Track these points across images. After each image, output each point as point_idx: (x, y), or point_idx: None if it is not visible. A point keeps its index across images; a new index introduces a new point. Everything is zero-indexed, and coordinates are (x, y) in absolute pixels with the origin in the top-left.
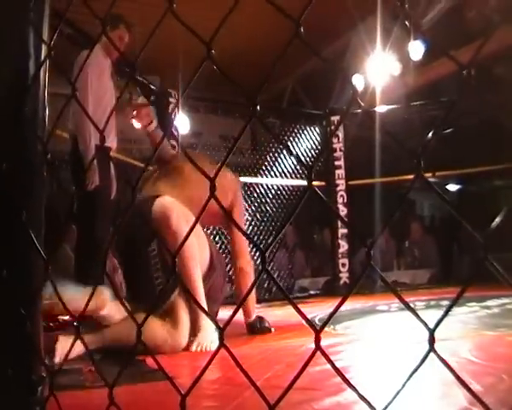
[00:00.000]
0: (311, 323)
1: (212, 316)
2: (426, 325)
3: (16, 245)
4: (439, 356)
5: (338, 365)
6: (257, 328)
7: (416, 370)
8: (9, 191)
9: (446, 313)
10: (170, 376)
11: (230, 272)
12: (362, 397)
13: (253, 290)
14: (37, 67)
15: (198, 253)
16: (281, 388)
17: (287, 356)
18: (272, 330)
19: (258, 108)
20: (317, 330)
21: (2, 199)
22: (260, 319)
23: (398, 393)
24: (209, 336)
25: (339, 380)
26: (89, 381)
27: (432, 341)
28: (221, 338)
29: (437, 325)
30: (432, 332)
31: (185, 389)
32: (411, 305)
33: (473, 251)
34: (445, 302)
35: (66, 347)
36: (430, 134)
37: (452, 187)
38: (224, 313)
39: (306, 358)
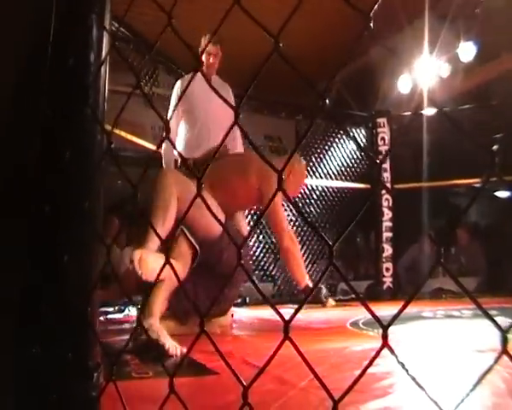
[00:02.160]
0: (378, 318)
1: None
2: (499, 326)
3: (77, 233)
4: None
5: (379, 369)
6: (311, 292)
7: (486, 373)
8: (73, 179)
9: None
10: (231, 368)
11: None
12: (431, 398)
13: (301, 261)
14: (99, 58)
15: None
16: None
17: (330, 357)
18: (331, 302)
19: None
20: (385, 326)
21: (65, 186)
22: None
23: (464, 398)
24: None
25: (386, 384)
26: (135, 371)
27: (504, 343)
28: (286, 331)
29: (510, 327)
30: (504, 333)
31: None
32: (458, 313)
33: None
34: (494, 312)
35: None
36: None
37: (502, 194)
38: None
39: (351, 359)
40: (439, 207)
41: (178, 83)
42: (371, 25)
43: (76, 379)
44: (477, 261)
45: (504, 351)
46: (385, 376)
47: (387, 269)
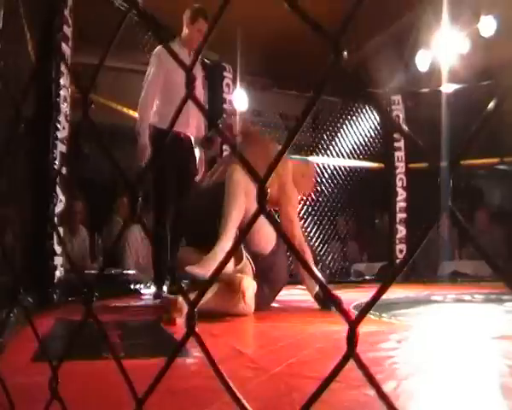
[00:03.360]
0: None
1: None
2: (347, 318)
3: None
4: (358, 361)
5: (371, 355)
6: (321, 299)
7: (335, 372)
8: None
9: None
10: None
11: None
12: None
13: (313, 266)
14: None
15: (238, 209)
16: (301, 376)
17: (319, 341)
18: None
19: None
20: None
21: None
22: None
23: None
24: None
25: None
26: (107, 351)
27: (352, 339)
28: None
29: (359, 319)
30: (353, 326)
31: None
32: (469, 297)
33: None
34: (507, 297)
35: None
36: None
37: None
38: (289, 292)
39: (341, 345)
40: (460, 188)
41: (160, 48)
42: None
43: None
44: (496, 245)
45: (351, 351)
46: (368, 364)
47: (401, 251)
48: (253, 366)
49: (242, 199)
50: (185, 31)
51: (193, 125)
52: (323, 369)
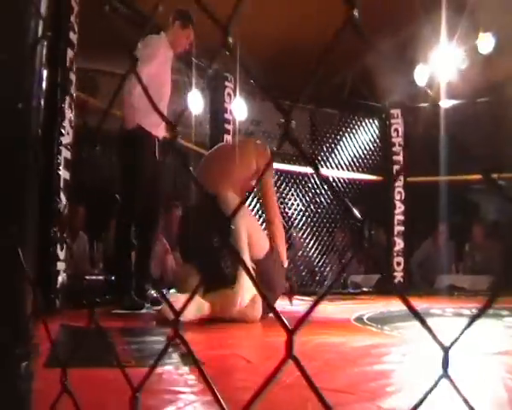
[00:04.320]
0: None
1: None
2: (441, 343)
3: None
4: (452, 382)
5: (379, 368)
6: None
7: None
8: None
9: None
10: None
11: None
12: None
13: (284, 243)
14: (34, 41)
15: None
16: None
17: (326, 352)
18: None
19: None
20: (289, 329)
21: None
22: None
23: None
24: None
25: (376, 385)
26: (118, 360)
27: (446, 363)
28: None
29: (452, 343)
30: (446, 351)
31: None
32: (468, 311)
33: None
34: (506, 312)
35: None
36: None
37: None
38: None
39: (347, 357)
40: (456, 203)
41: (156, 40)
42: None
43: None
44: (493, 259)
45: (445, 374)
46: (377, 377)
47: (398, 263)
48: (265, 376)
49: (244, 229)
50: (172, 33)
51: (163, 126)
52: (334, 380)
